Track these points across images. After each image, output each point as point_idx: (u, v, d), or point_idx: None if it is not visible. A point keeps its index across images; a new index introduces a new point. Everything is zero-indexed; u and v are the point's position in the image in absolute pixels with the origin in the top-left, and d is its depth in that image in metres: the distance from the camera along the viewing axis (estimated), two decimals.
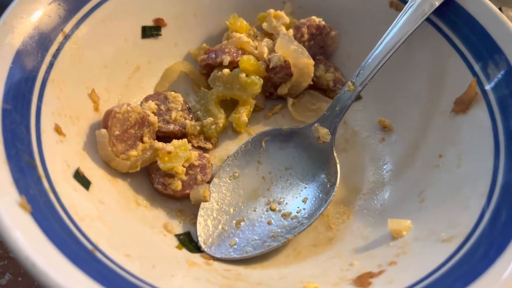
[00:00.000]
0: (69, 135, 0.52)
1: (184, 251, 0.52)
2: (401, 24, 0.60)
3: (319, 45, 0.69)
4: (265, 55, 0.66)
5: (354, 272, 0.48)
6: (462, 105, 0.57)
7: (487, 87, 0.54)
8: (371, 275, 0.47)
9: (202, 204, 0.56)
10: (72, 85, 0.55)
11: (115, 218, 0.49)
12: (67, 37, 0.55)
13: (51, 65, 0.53)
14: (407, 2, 0.62)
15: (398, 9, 0.65)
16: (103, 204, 0.50)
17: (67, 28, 0.56)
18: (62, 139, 0.50)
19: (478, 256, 0.43)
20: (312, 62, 0.64)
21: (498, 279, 0.40)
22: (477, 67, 0.56)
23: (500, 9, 0.84)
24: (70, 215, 0.43)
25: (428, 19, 0.61)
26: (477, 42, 0.57)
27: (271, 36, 0.69)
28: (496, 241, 0.43)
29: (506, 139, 0.50)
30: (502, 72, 0.53)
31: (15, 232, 0.37)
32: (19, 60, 0.49)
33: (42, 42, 0.52)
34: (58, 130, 0.50)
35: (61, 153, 0.49)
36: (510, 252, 0.42)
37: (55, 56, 0.53)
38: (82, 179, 0.49)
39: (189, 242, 0.54)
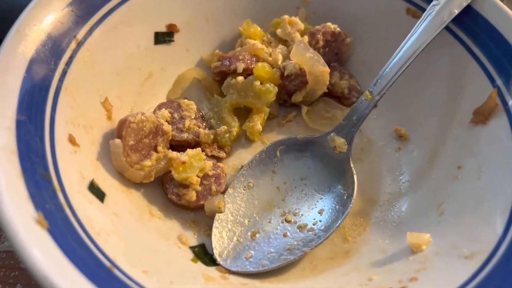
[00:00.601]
0: (83, 145, 0.51)
1: (200, 264, 0.51)
2: (419, 32, 0.58)
3: (334, 52, 0.68)
4: (279, 62, 0.65)
5: None
6: (481, 116, 0.56)
7: (508, 98, 0.53)
8: None
9: (216, 215, 0.55)
10: (85, 93, 0.54)
11: (130, 231, 0.49)
12: (80, 44, 0.54)
13: (64, 73, 0.51)
14: (424, 9, 0.61)
15: (415, 16, 0.64)
16: (118, 216, 0.49)
17: (80, 34, 0.55)
18: (76, 149, 0.49)
19: (503, 275, 0.42)
20: (328, 70, 0.63)
21: None
22: (497, 78, 0.55)
23: None
24: (86, 230, 0.42)
25: (446, 27, 0.59)
26: (497, 52, 0.56)
27: (285, 42, 0.68)
28: None
29: None
30: None
31: (33, 250, 0.36)
32: (33, 69, 0.48)
33: (55, 50, 0.51)
34: (72, 140, 0.49)
35: (76, 164, 0.48)
36: None
37: (68, 64, 0.52)
38: (96, 191, 0.48)
39: (204, 254, 0.53)
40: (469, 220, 0.50)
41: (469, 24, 0.59)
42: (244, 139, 0.65)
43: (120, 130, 0.53)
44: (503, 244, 0.45)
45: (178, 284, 0.44)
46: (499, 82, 0.55)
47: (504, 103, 0.54)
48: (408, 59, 0.58)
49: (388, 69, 0.58)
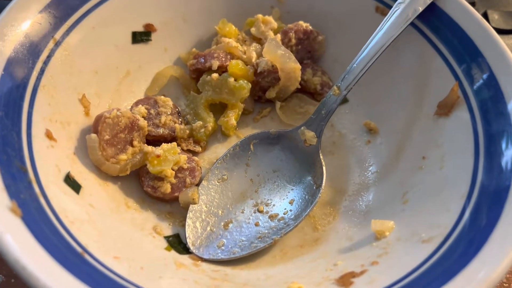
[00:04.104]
0: (60, 140, 0.53)
1: (173, 253, 0.54)
2: (385, 29, 0.61)
3: (307, 49, 0.71)
4: (253, 60, 0.67)
5: (337, 272, 0.50)
6: (445, 108, 0.58)
7: (469, 90, 0.56)
8: (353, 274, 0.48)
9: (191, 207, 0.58)
10: (63, 91, 0.56)
11: (105, 221, 0.51)
12: (58, 44, 0.57)
13: (42, 71, 0.54)
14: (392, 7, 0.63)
15: (384, 14, 0.66)
16: (93, 207, 0.51)
17: (58, 35, 0.57)
18: (53, 144, 0.52)
19: (456, 256, 0.44)
20: (299, 66, 0.65)
21: (474, 278, 0.41)
22: (459, 71, 0.57)
23: (485, 12, 0.86)
24: (60, 219, 0.44)
25: (412, 24, 0.62)
26: (459, 46, 0.58)
27: (260, 40, 0.70)
28: (473, 241, 0.44)
29: (485, 141, 0.52)
30: (483, 76, 0.55)
31: (6, 236, 0.38)
32: (10, 67, 0.50)
33: (33, 49, 0.53)
34: (49, 135, 0.51)
35: (52, 158, 0.50)
36: (486, 252, 0.43)
37: (46, 62, 0.55)
38: (72, 183, 0.51)
39: (178, 243, 0.55)
40: (430, 207, 0.52)
41: (433, 21, 0.62)
42: (220, 134, 0.67)
43: (96, 126, 0.56)
44: (458, 228, 0.47)
45: (148, 269, 0.47)
46: (460, 75, 0.57)
47: (465, 95, 0.56)
48: (374, 55, 0.60)
49: (355, 65, 0.61)
